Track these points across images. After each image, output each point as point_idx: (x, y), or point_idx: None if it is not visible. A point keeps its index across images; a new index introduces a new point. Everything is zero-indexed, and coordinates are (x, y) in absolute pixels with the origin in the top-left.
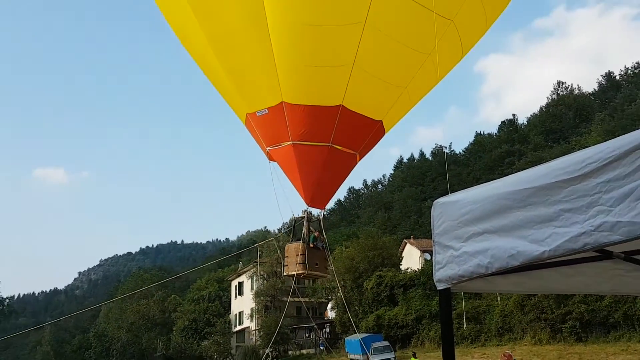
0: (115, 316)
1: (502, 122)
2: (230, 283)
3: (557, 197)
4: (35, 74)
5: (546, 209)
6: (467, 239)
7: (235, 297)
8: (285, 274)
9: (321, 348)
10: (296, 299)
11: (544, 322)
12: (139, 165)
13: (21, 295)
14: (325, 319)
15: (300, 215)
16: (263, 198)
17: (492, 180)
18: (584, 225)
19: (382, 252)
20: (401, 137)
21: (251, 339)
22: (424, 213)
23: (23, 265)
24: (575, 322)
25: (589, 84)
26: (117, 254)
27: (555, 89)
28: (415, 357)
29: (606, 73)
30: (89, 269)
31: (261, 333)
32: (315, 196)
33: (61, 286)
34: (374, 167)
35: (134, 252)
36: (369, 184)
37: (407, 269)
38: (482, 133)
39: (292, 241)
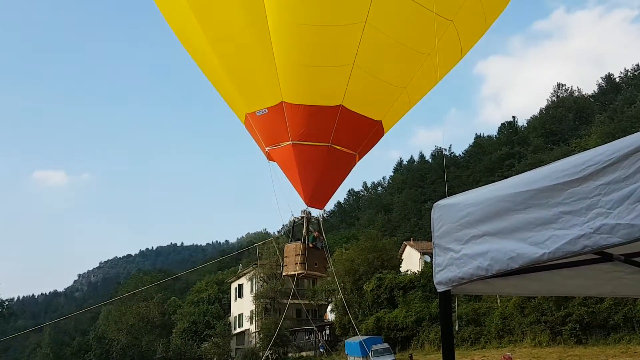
0: (114, 318)
1: (502, 124)
2: (230, 285)
3: (556, 200)
4: (35, 74)
5: (546, 212)
6: (467, 241)
7: (235, 299)
8: (284, 274)
9: (321, 350)
10: (296, 301)
11: (544, 324)
12: (139, 168)
13: (21, 298)
14: (325, 321)
15: (300, 215)
16: (263, 200)
17: (492, 182)
18: (584, 227)
19: (382, 254)
20: (401, 139)
21: (251, 341)
22: (423, 215)
23: (23, 267)
24: (575, 325)
25: (588, 86)
26: (116, 256)
27: (555, 91)
28: None
29: (606, 75)
30: (88, 271)
31: (261, 335)
32: (314, 196)
33: (61, 288)
34: (373, 169)
35: (133, 255)
36: (369, 186)
37: (407, 271)
38: (482, 135)
39: (291, 241)
